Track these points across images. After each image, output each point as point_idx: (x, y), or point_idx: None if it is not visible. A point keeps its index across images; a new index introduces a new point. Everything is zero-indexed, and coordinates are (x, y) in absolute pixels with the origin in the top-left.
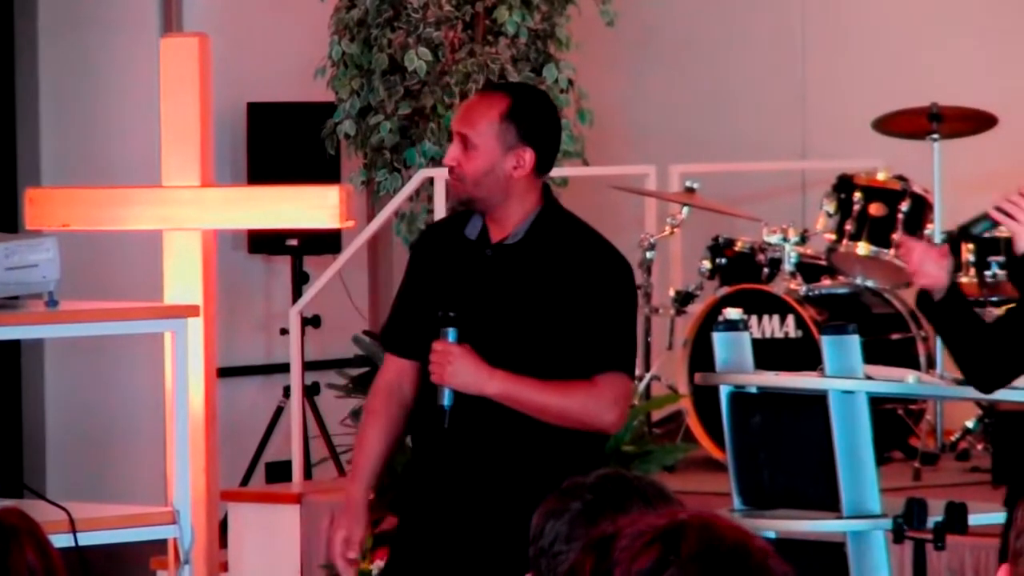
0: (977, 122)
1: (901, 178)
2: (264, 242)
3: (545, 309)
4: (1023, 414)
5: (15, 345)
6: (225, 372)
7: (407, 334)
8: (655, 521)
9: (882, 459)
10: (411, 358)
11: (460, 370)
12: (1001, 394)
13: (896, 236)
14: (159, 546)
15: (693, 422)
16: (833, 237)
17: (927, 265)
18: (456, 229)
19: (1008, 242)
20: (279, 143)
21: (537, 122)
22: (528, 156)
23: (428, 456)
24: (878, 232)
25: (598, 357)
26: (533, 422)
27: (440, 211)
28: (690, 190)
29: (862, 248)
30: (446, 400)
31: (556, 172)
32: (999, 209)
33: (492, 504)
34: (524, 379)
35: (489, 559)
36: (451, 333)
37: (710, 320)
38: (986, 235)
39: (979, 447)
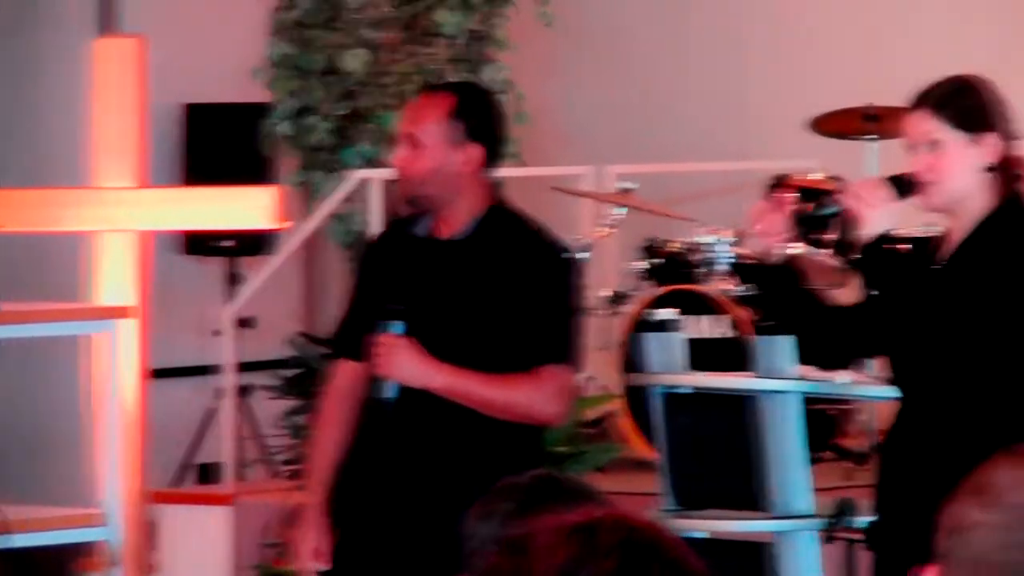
0: None
1: (836, 178)
2: (199, 243)
3: (490, 303)
4: None
5: None
6: (158, 373)
7: (358, 338)
8: (571, 518)
9: (813, 459)
10: (363, 361)
11: (406, 363)
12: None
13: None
14: (88, 548)
15: (625, 422)
16: None
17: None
18: (404, 229)
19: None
20: (216, 144)
21: (483, 119)
22: (475, 153)
23: (370, 449)
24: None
25: (541, 350)
26: (476, 416)
27: (376, 213)
28: (626, 190)
29: (796, 248)
30: (391, 392)
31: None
32: (845, 195)
33: (435, 497)
34: (469, 373)
35: (431, 552)
36: (398, 326)
37: (644, 320)
38: (828, 220)
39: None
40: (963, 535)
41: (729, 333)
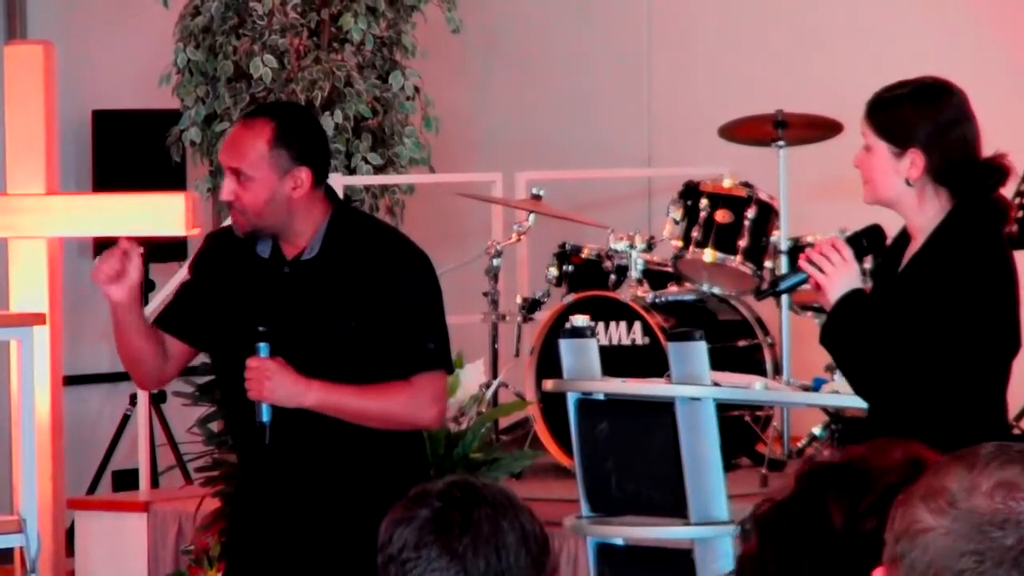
0: (822, 129)
1: (747, 185)
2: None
3: (352, 317)
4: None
5: None
6: (71, 380)
7: (183, 319)
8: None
9: (729, 465)
10: (179, 336)
11: (277, 385)
12: (846, 400)
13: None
14: (4, 555)
15: (541, 429)
16: (679, 244)
17: (841, 274)
18: (245, 247)
19: None
20: (125, 150)
21: (306, 140)
22: (304, 175)
23: (253, 475)
24: (724, 239)
25: (412, 358)
26: (353, 428)
27: None
28: (536, 197)
29: (708, 255)
30: (265, 416)
31: (403, 179)
32: (808, 261)
33: (323, 514)
34: (341, 387)
35: (325, 569)
36: (263, 348)
37: (557, 327)
38: (793, 289)
39: (826, 453)
40: (914, 539)
41: (642, 340)
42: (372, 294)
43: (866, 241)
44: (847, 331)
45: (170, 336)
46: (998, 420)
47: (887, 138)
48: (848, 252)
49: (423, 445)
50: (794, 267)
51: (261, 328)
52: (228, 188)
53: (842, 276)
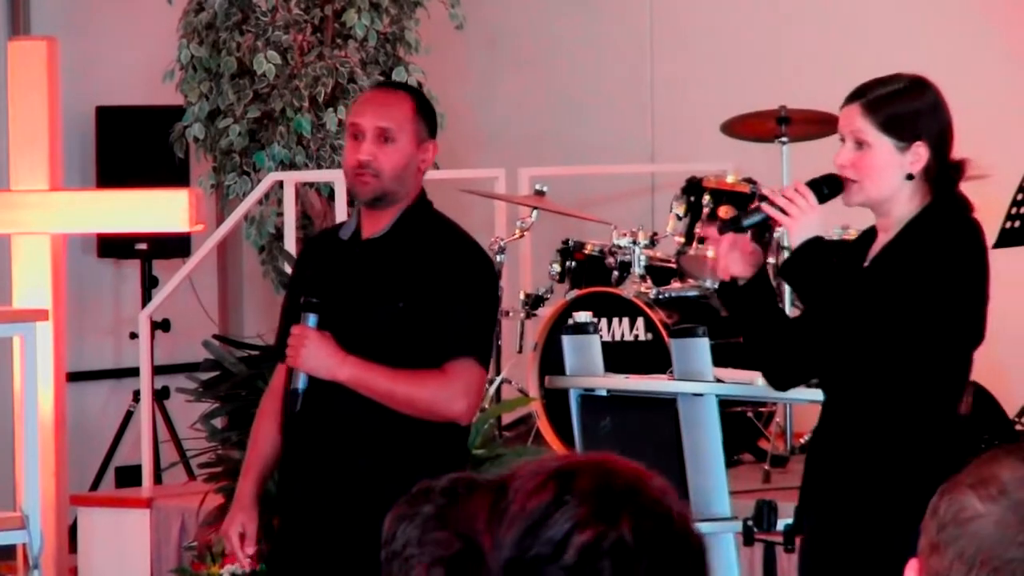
0: (825, 125)
1: (750, 181)
2: (113, 246)
3: (401, 297)
4: None
5: None
6: (75, 376)
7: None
8: (549, 463)
9: (731, 461)
10: None
11: (314, 354)
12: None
13: (700, 229)
14: (7, 552)
15: (544, 425)
16: (682, 240)
17: (734, 257)
18: (332, 234)
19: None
20: (128, 147)
21: (434, 119)
22: (432, 151)
23: (287, 443)
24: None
25: (449, 344)
26: (387, 412)
27: (290, 215)
28: (539, 193)
29: (711, 251)
30: (300, 384)
31: None
32: (770, 203)
33: (347, 489)
34: (375, 366)
35: (342, 549)
36: (311, 319)
37: (560, 323)
38: (754, 227)
39: None
40: (963, 526)
41: (645, 336)
42: (424, 277)
43: (826, 189)
44: (805, 275)
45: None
46: (951, 409)
47: (891, 132)
48: (812, 197)
49: (462, 438)
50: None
51: (313, 299)
52: (368, 148)
53: (808, 219)
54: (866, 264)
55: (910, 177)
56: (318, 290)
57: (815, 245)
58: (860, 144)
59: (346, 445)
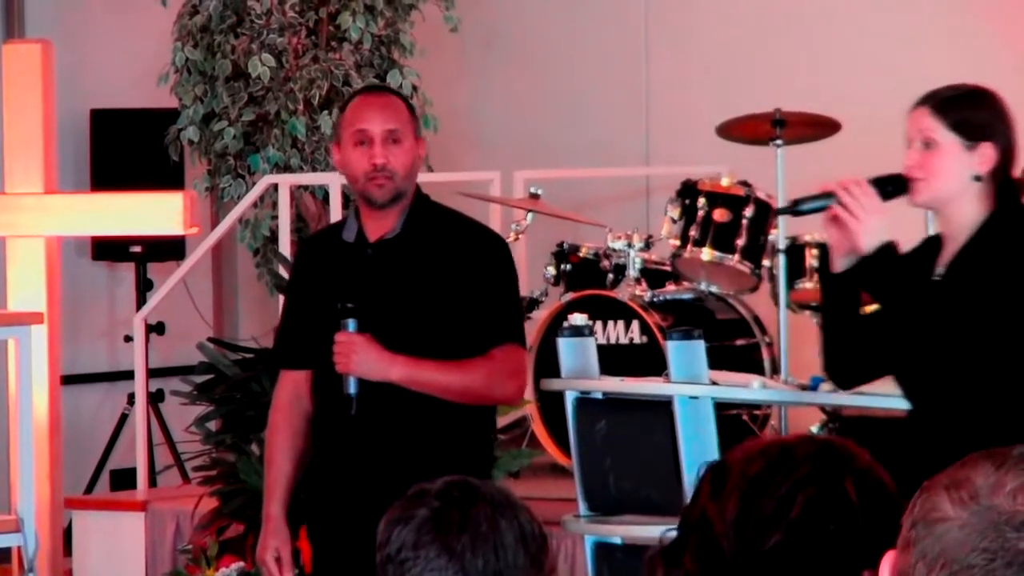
0: (820, 128)
1: (745, 184)
2: (108, 249)
3: (436, 293)
4: (868, 420)
5: None
6: (69, 379)
7: (298, 346)
8: (763, 442)
9: None
10: (305, 368)
11: (364, 358)
12: (844, 399)
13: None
14: (2, 555)
15: (539, 428)
16: (677, 243)
17: (874, 220)
18: (332, 236)
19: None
20: (123, 149)
21: (417, 117)
22: (424, 147)
23: (336, 448)
24: (722, 238)
25: (492, 332)
26: (435, 403)
27: (285, 218)
28: (534, 196)
29: (706, 254)
30: (352, 388)
31: None
32: (838, 201)
33: (405, 486)
34: (425, 361)
35: None
36: (351, 323)
37: (555, 326)
38: (813, 212)
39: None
40: (931, 527)
41: (640, 339)
42: (454, 271)
43: (891, 187)
44: (879, 282)
45: (295, 371)
46: None
47: (961, 131)
48: (877, 198)
49: (495, 424)
50: (816, 198)
51: (349, 304)
52: (380, 152)
53: (875, 220)
54: (938, 272)
55: (977, 179)
56: (347, 295)
57: (889, 252)
58: (928, 144)
59: (401, 440)
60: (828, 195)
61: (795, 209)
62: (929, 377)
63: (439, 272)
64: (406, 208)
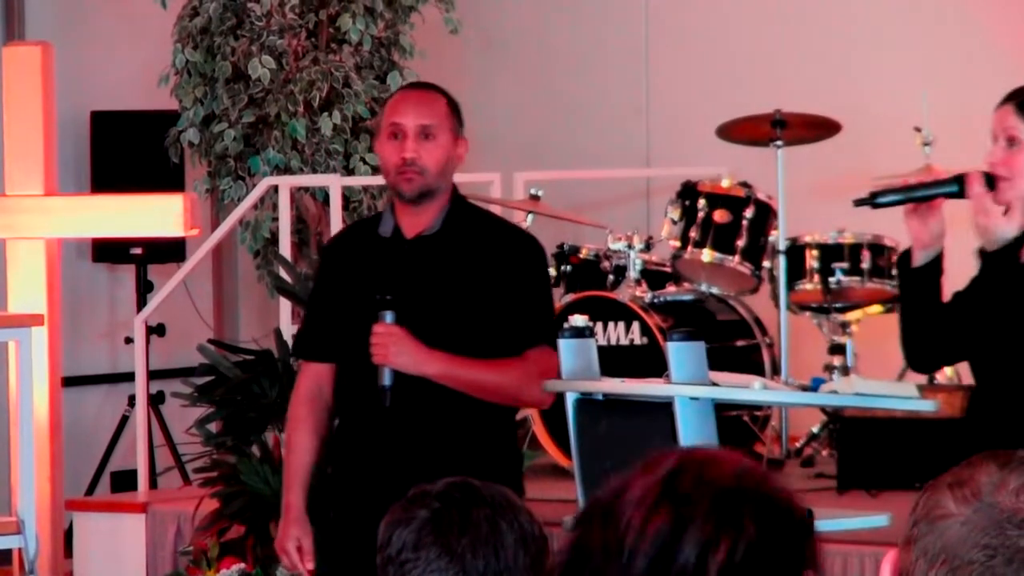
0: (820, 129)
1: (745, 185)
2: (108, 251)
3: (473, 291)
4: (867, 420)
5: None
6: (70, 381)
7: (322, 339)
8: (648, 478)
9: None
10: (328, 361)
11: (402, 350)
12: (845, 399)
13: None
14: (2, 556)
15: (539, 429)
16: (678, 244)
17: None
18: (368, 231)
19: (852, 249)
20: (123, 151)
21: (461, 116)
22: (464, 147)
23: (366, 438)
24: (722, 239)
25: (527, 333)
26: (467, 400)
27: (285, 219)
28: (535, 197)
29: (707, 255)
30: (387, 380)
31: None
32: (920, 197)
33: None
34: (460, 359)
35: None
36: (388, 315)
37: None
38: (895, 205)
39: (824, 453)
40: (933, 524)
41: (641, 340)
42: (491, 270)
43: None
44: (1001, 275)
45: (319, 364)
46: None
47: None
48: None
49: (516, 424)
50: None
51: (388, 296)
52: (411, 145)
53: (999, 214)
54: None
55: None
56: (383, 288)
57: (1015, 247)
58: (1012, 142)
59: (432, 434)
60: (908, 188)
61: (873, 202)
62: (1007, 365)
63: (476, 271)
64: (444, 206)
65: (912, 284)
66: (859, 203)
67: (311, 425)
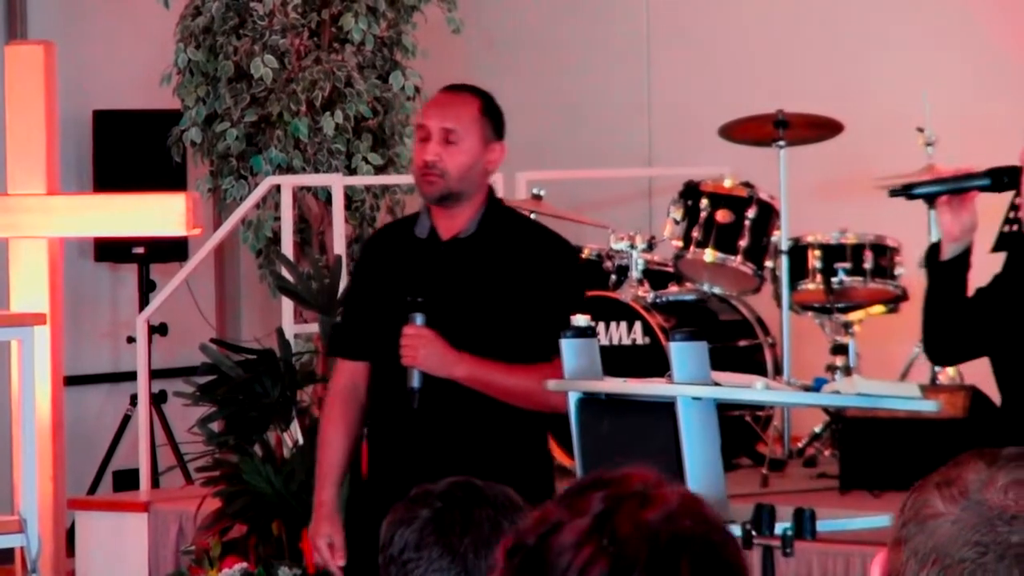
0: (822, 129)
1: (747, 185)
2: (111, 250)
3: (505, 296)
4: (869, 420)
5: None
6: (72, 380)
7: (358, 337)
8: (579, 519)
9: (730, 465)
10: (363, 359)
11: (432, 352)
12: (847, 400)
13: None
14: (5, 555)
15: None
16: (680, 244)
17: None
18: (404, 231)
19: (855, 249)
20: (125, 151)
21: (501, 119)
22: (500, 151)
23: (395, 439)
24: (725, 239)
25: (556, 340)
26: (496, 403)
27: (287, 219)
28: (537, 197)
29: (709, 255)
30: (416, 382)
31: (402, 180)
32: (955, 189)
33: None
34: (490, 363)
35: None
36: (419, 317)
37: None
38: (929, 196)
39: (826, 453)
40: (922, 524)
41: (643, 339)
42: (525, 275)
43: (1007, 178)
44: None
45: (354, 362)
46: None
47: None
48: None
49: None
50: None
51: (419, 298)
52: (433, 148)
53: None
54: None
55: None
56: (416, 289)
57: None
58: None
59: (459, 437)
60: (944, 180)
61: (909, 193)
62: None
63: (511, 275)
64: (480, 209)
65: (939, 277)
66: (894, 194)
67: (345, 421)
